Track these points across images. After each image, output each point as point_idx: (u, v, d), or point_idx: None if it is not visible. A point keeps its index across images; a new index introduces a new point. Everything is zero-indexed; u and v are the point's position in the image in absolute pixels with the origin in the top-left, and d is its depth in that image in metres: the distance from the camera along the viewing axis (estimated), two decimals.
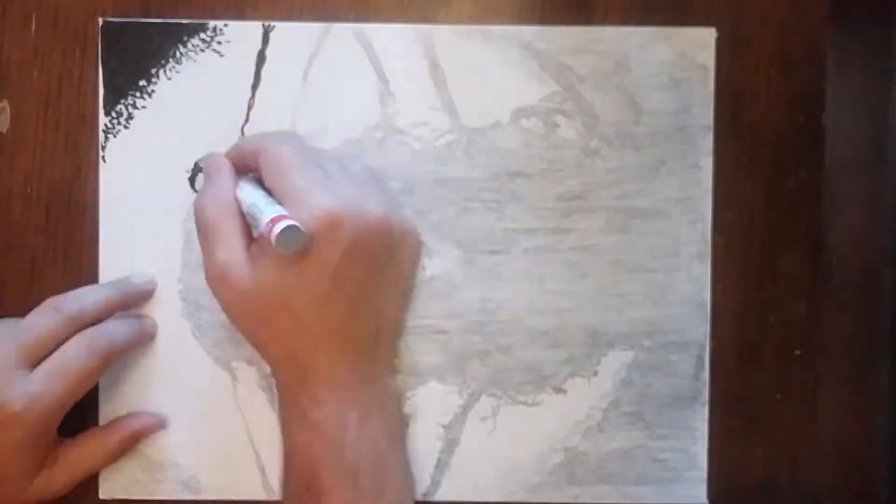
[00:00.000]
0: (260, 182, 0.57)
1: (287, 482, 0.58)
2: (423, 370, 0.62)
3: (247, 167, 0.58)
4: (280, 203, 0.54)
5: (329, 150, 0.61)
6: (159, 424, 0.61)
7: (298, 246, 0.52)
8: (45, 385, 0.55)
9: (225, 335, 0.62)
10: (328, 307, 0.55)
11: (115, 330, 0.59)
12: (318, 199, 0.54)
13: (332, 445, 0.55)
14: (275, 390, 0.61)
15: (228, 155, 0.59)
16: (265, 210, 0.53)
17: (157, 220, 0.62)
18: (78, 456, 0.59)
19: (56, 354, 0.56)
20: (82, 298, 0.58)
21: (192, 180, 0.61)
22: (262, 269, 0.54)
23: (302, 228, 0.52)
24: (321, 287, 0.54)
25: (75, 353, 0.56)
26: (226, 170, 0.58)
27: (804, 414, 0.62)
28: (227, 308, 0.56)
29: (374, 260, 0.56)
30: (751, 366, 0.62)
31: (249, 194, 0.56)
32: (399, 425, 0.60)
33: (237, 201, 0.56)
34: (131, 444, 0.61)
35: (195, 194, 0.61)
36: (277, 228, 0.51)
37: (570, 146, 0.62)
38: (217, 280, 0.55)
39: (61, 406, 0.56)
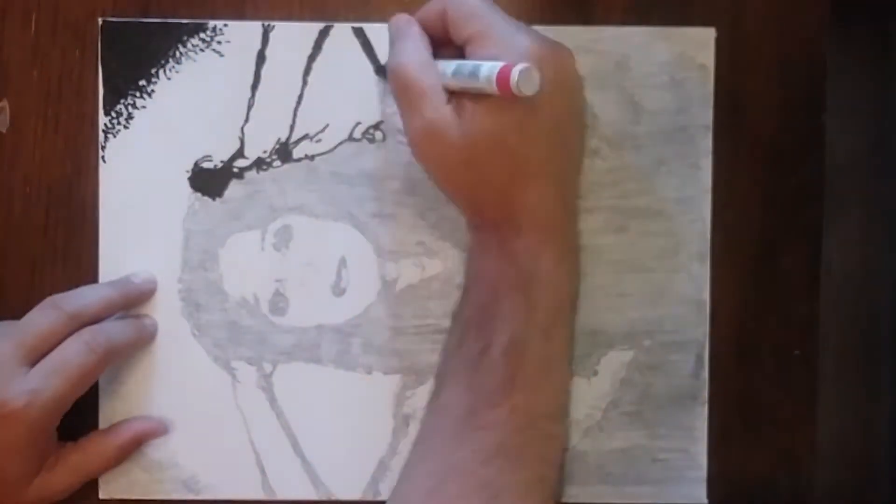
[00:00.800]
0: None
1: (461, 308, 0.58)
2: (423, 370, 0.62)
3: (429, 31, 0.57)
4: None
5: None
6: (161, 429, 0.61)
7: (536, 85, 0.51)
8: (45, 382, 0.55)
9: (225, 335, 0.62)
10: (539, 140, 0.55)
11: (115, 329, 0.59)
12: (521, 39, 0.54)
13: (520, 275, 0.55)
14: (275, 390, 0.62)
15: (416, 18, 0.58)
16: (482, 65, 0.52)
17: (157, 220, 0.62)
18: (78, 459, 0.59)
19: (56, 352, 0.56)
20: (83, 297, 0.58)
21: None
22: (473, 117, 0.54)
23: (535, 70, 0.51)
24: (531, 124, 0.54)
25: (75, 351, 0.56)
26: (416, 28, 0.57)
27: (804, 414, 0.62)
28: (437, 162, 0.56)
29: (567, 95, 0.56)
30: (750, 365, 0.62)
31: (447, 62, 0.55)
32: (577, 283, 0.60)
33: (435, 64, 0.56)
34: (133, 448, 0.61)
35: (193, 194, 0.61)
36: (516, 72, 0.50)
37: None
38: (428, 137, 0.55)
39: (61, 404, 0.56)
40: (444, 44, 0.57)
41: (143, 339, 0.61)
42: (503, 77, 0.50)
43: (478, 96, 0.53)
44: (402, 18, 0.58)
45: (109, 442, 0.60)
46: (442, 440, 0.56)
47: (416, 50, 0.56)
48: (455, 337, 0.58)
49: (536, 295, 0.55)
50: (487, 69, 0.51)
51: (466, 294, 0.58)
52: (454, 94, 0.55)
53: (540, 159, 0.55)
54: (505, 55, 0.52)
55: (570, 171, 0.59)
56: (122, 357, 0.60)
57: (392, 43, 0.58)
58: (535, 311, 0.55)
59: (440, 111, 0.54)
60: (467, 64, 0.53)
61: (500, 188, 0.55)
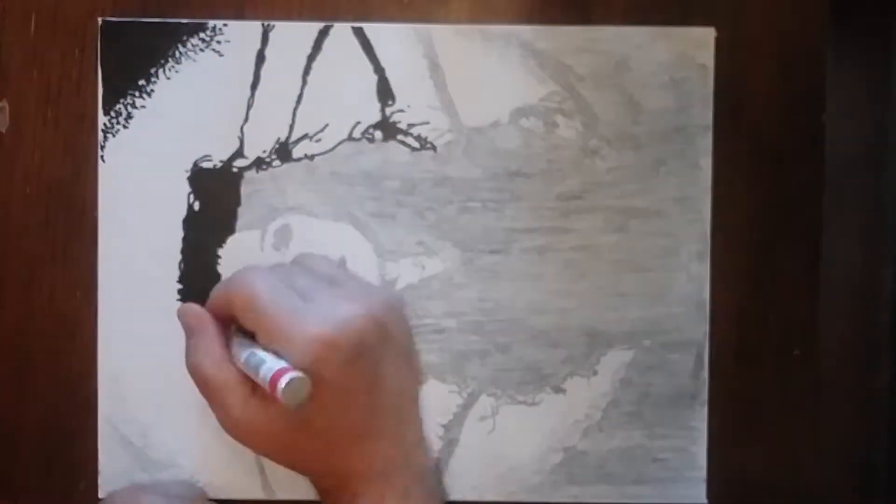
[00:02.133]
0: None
1: None
2: (423, 369, 0.62)
3: (224, 316, 0.58)
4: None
5: (286, 263, 0.61)
6: None
7: (304, 395, 0.52)
8: None
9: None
10: (349, 416, 0.55)
11: None
12: (303, 329, 0.53)
13: None
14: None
15: (207, 308, 0.59)
16: (263, 363, 0.53)
17: (156, 219, 0.62)
18: None
19: None
20: None
21: (191, 181, 0.61)
22: (277, 409, 0.54)
23: (303, 380, 0.52)
24: (336, 403, 0.55)
25: None
26: (209, 324, 0.57)
27: (804, 414, 0.62)
28: (257, 450, 0.58)
29: (376, 354, 0.56)
30: (750, 365, 0.62)
31: (244, 348, 0.55)
32: (440, 497, 0.61)
33: (229, 352, 0.56)
34: None
35: (192, 193, 0.61)
36: (282, 384, 0.51)
37: (569, 146, 0.62)
38: (238, 431, 0.56)
39: None
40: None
41: None
42: (272, 385, 0.51)
43: None
44: (192, 313, 0.58)
45: None
46: None
47: (208, 348, 0.57)
48: None
49: None
50: (264, 371, 0.52)
51: None
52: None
53: (352, 431, 0.56)
54: (288, 351, 0.53)
55: (396, 417, 0.58)
56: None
57: (187, 337, 0.58)
58: None
59: (243, 407, 0.55)
60: (254, 356, 0.54)
61: (322, 463, 0.57)
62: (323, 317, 0.54)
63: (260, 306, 0.55)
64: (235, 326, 0.57)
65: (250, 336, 0.56)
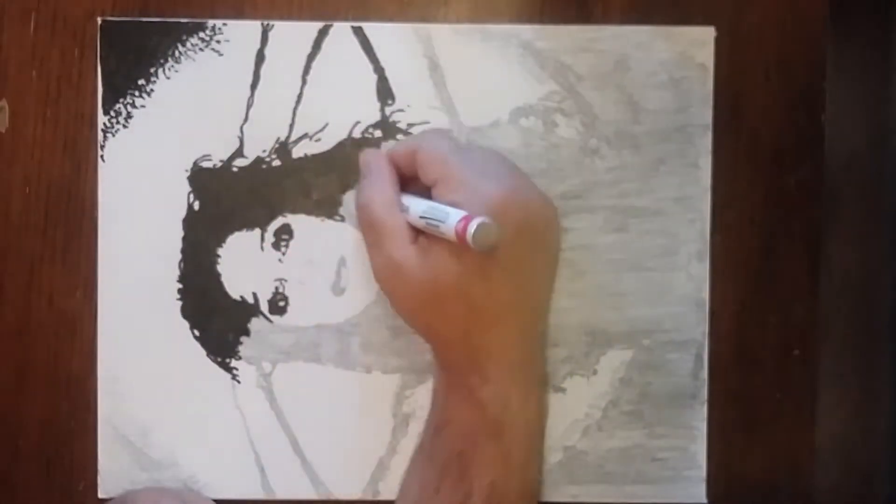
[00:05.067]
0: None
1: (434, 449, 0.59)
2: (423, 369, 0.62)
3: (399, 169, 0.59)
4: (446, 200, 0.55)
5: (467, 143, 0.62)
6: None
7: (492, 240, 0.52)
8: None
9: (224, 334, 0.62)
10: (500, 288, 0.56)
11: None
12: (485, 187, 0.55)
13: (492, 424, 0.56)
14: (273, 388, 0.62)
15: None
16: (445, 213, 0.54)
17: (156, 219, 0.62)
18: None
19: None
20: None
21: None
22: (436, 260, 0.55)
23: (493, 225, 0.52)
24: (494, 270, 0.55)
25: None
26: (386, 168, 0.58)
27: (803, 413, 0.62)
28: (400, 300, 0.58)
29: (535, 241, 0.58)
30: (750, 365, 0.62)
31: (417, 202, 0.56)
32: (546, 410, 0.61)
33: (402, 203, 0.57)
34: None
35: (192, 193, 0.61)
36: (472, 226, 0.51)
37: (569, 145, 0.62)
38: (391, 274, 0.57)
39: None
40: (415, 180, 0.58)
41: None
42: (460, 229, 0.52)
43: (443, 241, 0.54)
44: (372, 153, 0.60)
45: None
46: None
47: (382, 188, 0.57)
48: (430, 480, 0.58)
49: (510, 439, 0.57)
50: (449, 218, 0.53)
51: (438, 436, 0.59)
52: (420, 233, 0.56)
53: (500, 306, 0.56)
54: (468, 203, 0.54)
55: (533, 311, 0.60)
56: None
57: (362, 177, 0.59)
58: (510, 454, 0.57)
59: (403, 251, 0.56)
60: (433, 208, 0.55)
61: (461, 332, 0.57)
62: (503, 183, 0.56)
63: (446, 160, 0.56)
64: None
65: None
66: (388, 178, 0.58)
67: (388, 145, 0.62)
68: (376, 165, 0.59)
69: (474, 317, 0.56)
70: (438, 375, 0.60)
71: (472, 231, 0.51)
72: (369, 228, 0.57)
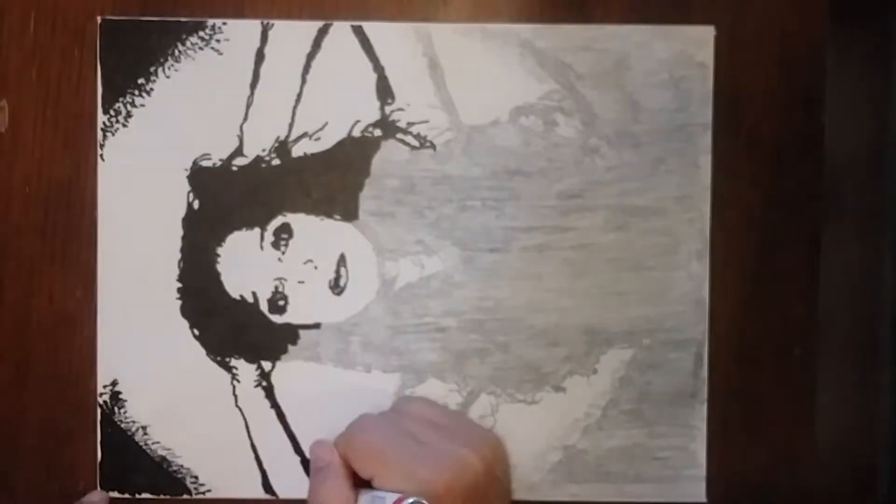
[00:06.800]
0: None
1: None
2: (422, 368, 0.62)
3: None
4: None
5: (393, 407, 0.62)
6: None
7: None
8: None
9: (224, 334, 0.62)
10: None
11: None
12: (422, 472, 0.55)
13: None
14: (273, 388, 0.62)
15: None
16: (384, 497, 0.55)
17: (156, 218, 0.62)
18: None
19: None
20: None
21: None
22: None
23: (420, 500, 0.53)
24: None
25: None
26: (340, 463, 0.58)
27: (803, 413, 0.62)
28: None
29: (486, 496, 0.57)
30: (750, 364, 0.62)
31: (363, 494, 0.57)
32: None
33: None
34: None
35: (192, 192, 0.61)
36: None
37: (569, 144, 0.62)
38: None
39: None
40: None
41: None
42: None
43: None
44: (322, 447, 0.59)
45: None
46: None
47: (334, 485, 0.57)
48: None
49: None
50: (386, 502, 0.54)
51: None
52: None
53: None
54: (407, 488, 0.54)
55: None
56: None
57: (313, 472, 0.59)
58: None
59: None
60: (375, 497, 0.55)
61: None
62: (438, 461, 0.56)
63: (378, 452, 0.56)
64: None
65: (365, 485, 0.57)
66: (343, 476, 0.58)
67: (388, 144, 0.62)
68: (331, 461, 0.58)
69: None
70: None
71: None
72: None
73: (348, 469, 0.58)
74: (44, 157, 0.61)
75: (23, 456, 0.61)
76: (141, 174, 0.62)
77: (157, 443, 0.62)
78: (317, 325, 0.62)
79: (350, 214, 0.62)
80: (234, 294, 0.62)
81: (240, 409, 0.62)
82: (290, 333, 0.62)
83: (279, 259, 0.62)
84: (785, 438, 0.62)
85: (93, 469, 0.62)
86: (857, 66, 0.62)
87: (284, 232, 0.62)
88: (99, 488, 0.62)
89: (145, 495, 0.62)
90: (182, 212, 0.62)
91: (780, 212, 0.62)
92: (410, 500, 0.53)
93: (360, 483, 0.57)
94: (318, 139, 0.62)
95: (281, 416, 0.62)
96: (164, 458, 0.62)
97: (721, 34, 0.61)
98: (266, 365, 0.62)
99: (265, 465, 0.62)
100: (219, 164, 0.62)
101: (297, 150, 0.62)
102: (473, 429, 0.61)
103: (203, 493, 0.62)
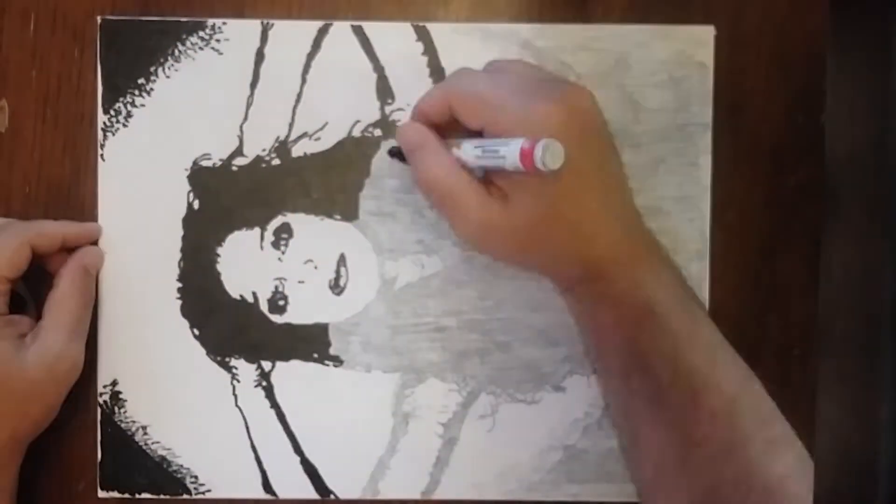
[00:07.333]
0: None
1: (603, 355, 0.58)
2: (422, 368, 0.62)
3: (438, 122, 0.57)
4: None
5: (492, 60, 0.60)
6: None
7: (561, 157, 0.50)
8: None
9: (224, 334, 0.62)
10: (589, 197, 0.54)
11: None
12: (535, 109, 0.53)
13: (642, 309, 0.55)
14: (273, 387, 0.62)
15: (417, 119, 0.58)
16: (505, 146, 0.52)
17: (156, 218, 0.62)
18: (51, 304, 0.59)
19: None
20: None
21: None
22: (518, 205, 0.54)
23: (557, 143, 0.50)
24: (576, 183, 0.54)
25: None
26: (430, 135, 0.56)
27: (804, 414, 0.62)
28: (503, 254, 0.58)
29: (599, 134, 0.56)
30: (750, 364, 0.62)
31: (469, 147, 0.55)
32: (664, 248, 0.59)
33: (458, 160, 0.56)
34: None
35: (192, 192, 0.61)
36: (538, 153, 0.50)
37: None
38: (483, 236, 0.55)
39: None
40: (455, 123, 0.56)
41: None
42: (527, 158, 0.50)
43: (514, 181, 0.53)
44: (408, 128, 0.57)
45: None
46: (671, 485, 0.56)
47: (437, 160, 0.56)
48: (613, 384, 0.59)
49: (664, 310, 0.55)
50: (509, 152, 0.51)
51: (602, 345, 0.58)
52: (493, 182, 0.54)
53: (594, 213, 0.55)
54: (523, 130, 0.52)
55: (628, 202, 0.58)
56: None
57: (410, 155, 0.57)
58: (669, 321, 0.55)
59: (484, 210, 0.54)
60: (490, 145, 0.53)
61: (569, 254, 0.55)
62: (551, 95, 0.54)
63: (486, 99, 0.54)
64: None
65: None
66: (438, 145, 0.56)
67: (388, 144, 0.61)
68: (421, 138, 0.57)
69: (575, 236, 0.55)
70: (568, 298, 0.59)
71: (539, 156, 0.50)
72: (442, 203, 0.56)
73: (438, 135, 0.56)
74: (44, 156, 0.62)
75: (23, 456, 0.61)
76: (141, 174, 0.62)
77: (157, 442, 0.62)
78: (317, 325, 0.62)
79: (350, 214, 0.62)
80: (234, 294, 0.62)
81: (240, 409, 0.62)
82: (290, 333, 0.62)
83: (279, 259, 0.62)
84: None
85: (93, 469, 0.62)
86: (857, 66, 0.62)
87: (284, 232, 0.62)
88: (98, 489, 0.62)
89: (145, 495, 0.62)
90: (182, 212, 0.62)
91: (780, 212, 0.62)
92: (542, 144, 0.50)
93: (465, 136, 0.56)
94: (318, 139, 0.62)
95: (281, 416, 0.62)
96: (163, 458, 0.62)
97: (721, 34, 0.61)
98: (266, 365, 0.62)
99: (265, 465, 0.62)
100: (219, 164, 0.62)
101: (297, 150, 0.62)
102: (566, 81, 0.60)
103: (203, 492, 0.62)
